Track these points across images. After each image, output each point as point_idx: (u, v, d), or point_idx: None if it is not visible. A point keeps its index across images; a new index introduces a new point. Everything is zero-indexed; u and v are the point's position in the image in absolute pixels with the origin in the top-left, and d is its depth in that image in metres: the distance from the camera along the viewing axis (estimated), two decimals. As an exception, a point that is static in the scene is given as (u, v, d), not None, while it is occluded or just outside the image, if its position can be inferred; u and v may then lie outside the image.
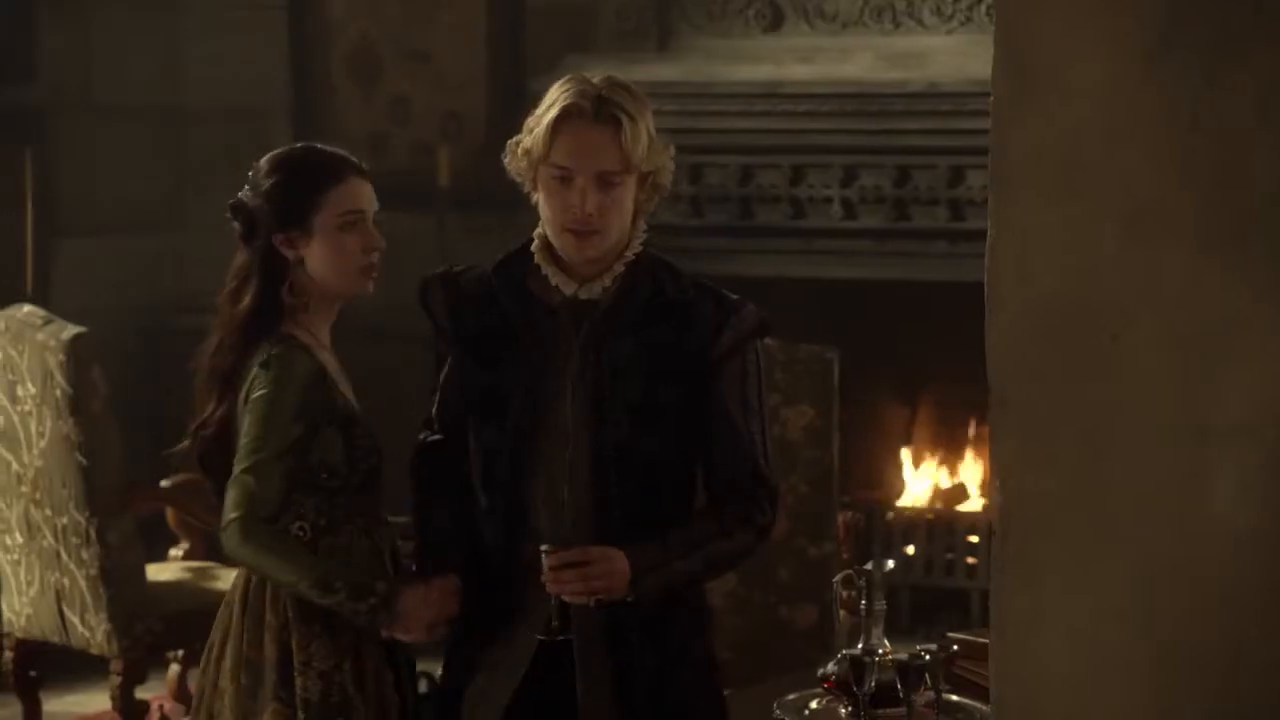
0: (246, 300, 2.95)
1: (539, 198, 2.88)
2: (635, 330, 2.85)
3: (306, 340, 2.96)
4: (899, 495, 5.84)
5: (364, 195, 3.00)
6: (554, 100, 2.86)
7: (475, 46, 5.93)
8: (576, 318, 2.86)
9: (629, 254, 2.88)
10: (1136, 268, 1.89)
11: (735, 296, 2.89)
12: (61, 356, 4.19)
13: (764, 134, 5.54)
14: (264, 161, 3.01)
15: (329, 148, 3.05)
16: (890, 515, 5.73)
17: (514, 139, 2.91)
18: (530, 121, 2.89)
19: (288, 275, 2.95)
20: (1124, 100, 1.90)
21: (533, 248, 2.91)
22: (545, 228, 2.88)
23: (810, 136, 5.52)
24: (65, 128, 5.77)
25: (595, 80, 2.87)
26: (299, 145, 3.08)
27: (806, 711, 2.91)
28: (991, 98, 1.96)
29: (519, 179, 2.91)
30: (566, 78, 2.89)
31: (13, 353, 4.30)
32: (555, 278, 2.88)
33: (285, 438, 2.88)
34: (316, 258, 2.96)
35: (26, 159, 5.68)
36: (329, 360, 2.98)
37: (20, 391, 4.29)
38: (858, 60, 5.53)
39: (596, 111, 2.82)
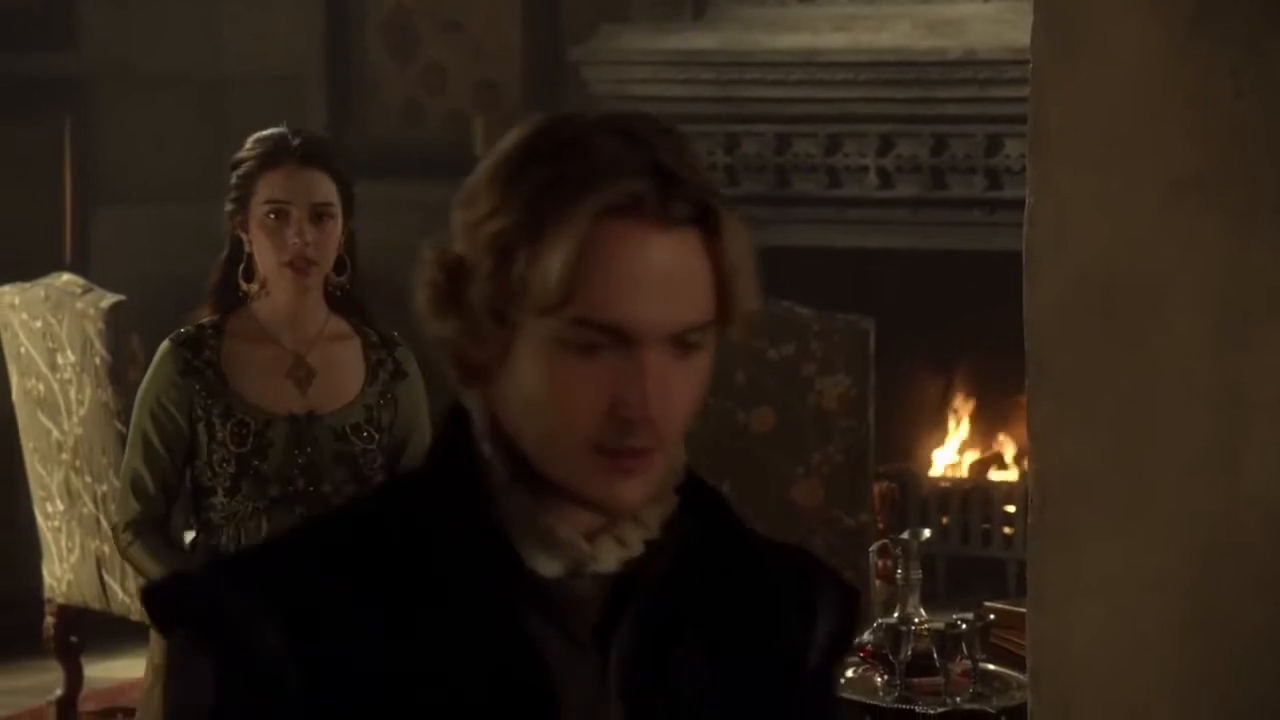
0: (210, 278, 2.99)
1: (510, 374, 1.34)
2: (703, 631, 1.40)
3: (244, 326, 2.94)
4: (934, 465, 5.84)
5: (297, 186, 2.90)
6: (575, 183, 1.31)
7: (511, 15, 5.92)
8: (605, 612, 1.37)
9: (677, 467, 1.40)
10: (1177, 236, 1.89)
11: (809, 553, 1.51)
12: (100, 325, 4.21)
13: (800, 103, 5.52)
14: None
15: (291, 132, 2.96)
16: (926, 485, 5.73)
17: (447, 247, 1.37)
18: (500, 215, 1.33)
19: (244, 259, 2.95)
20: (1165, 67, 1.89)
21: (496, 482, 1.36)
22: (536, 442, 1.35)
23: (846, 105, 5.50)
24: (105, 96, 5.79)
25: (593, 117, 1.35)
26: (277, 129, 2.99)
27: (842, 680, 2.92)
28: (1030, 65, 1.95)
29: (469, 351, 1.35)
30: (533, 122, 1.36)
31: (52, 321, 4.32)
32: (565, 531, 1.35)
33: (138, 437, 2.95)
34: (254, 246, 2.94)
35: (66, 127, 5.70)
36: (252, 352, 2.95)
37: (60, 360, 4.31)
38: (894, 28, 5.51)
39: (666, 207, 1.32)
